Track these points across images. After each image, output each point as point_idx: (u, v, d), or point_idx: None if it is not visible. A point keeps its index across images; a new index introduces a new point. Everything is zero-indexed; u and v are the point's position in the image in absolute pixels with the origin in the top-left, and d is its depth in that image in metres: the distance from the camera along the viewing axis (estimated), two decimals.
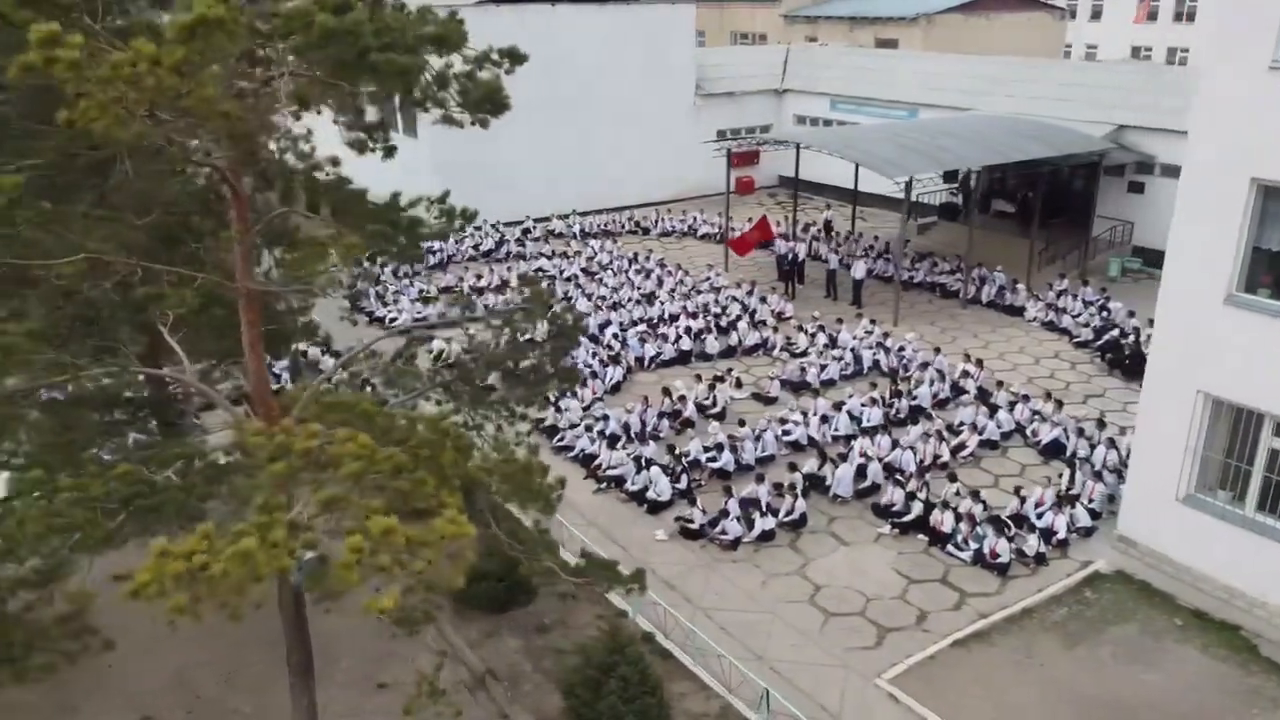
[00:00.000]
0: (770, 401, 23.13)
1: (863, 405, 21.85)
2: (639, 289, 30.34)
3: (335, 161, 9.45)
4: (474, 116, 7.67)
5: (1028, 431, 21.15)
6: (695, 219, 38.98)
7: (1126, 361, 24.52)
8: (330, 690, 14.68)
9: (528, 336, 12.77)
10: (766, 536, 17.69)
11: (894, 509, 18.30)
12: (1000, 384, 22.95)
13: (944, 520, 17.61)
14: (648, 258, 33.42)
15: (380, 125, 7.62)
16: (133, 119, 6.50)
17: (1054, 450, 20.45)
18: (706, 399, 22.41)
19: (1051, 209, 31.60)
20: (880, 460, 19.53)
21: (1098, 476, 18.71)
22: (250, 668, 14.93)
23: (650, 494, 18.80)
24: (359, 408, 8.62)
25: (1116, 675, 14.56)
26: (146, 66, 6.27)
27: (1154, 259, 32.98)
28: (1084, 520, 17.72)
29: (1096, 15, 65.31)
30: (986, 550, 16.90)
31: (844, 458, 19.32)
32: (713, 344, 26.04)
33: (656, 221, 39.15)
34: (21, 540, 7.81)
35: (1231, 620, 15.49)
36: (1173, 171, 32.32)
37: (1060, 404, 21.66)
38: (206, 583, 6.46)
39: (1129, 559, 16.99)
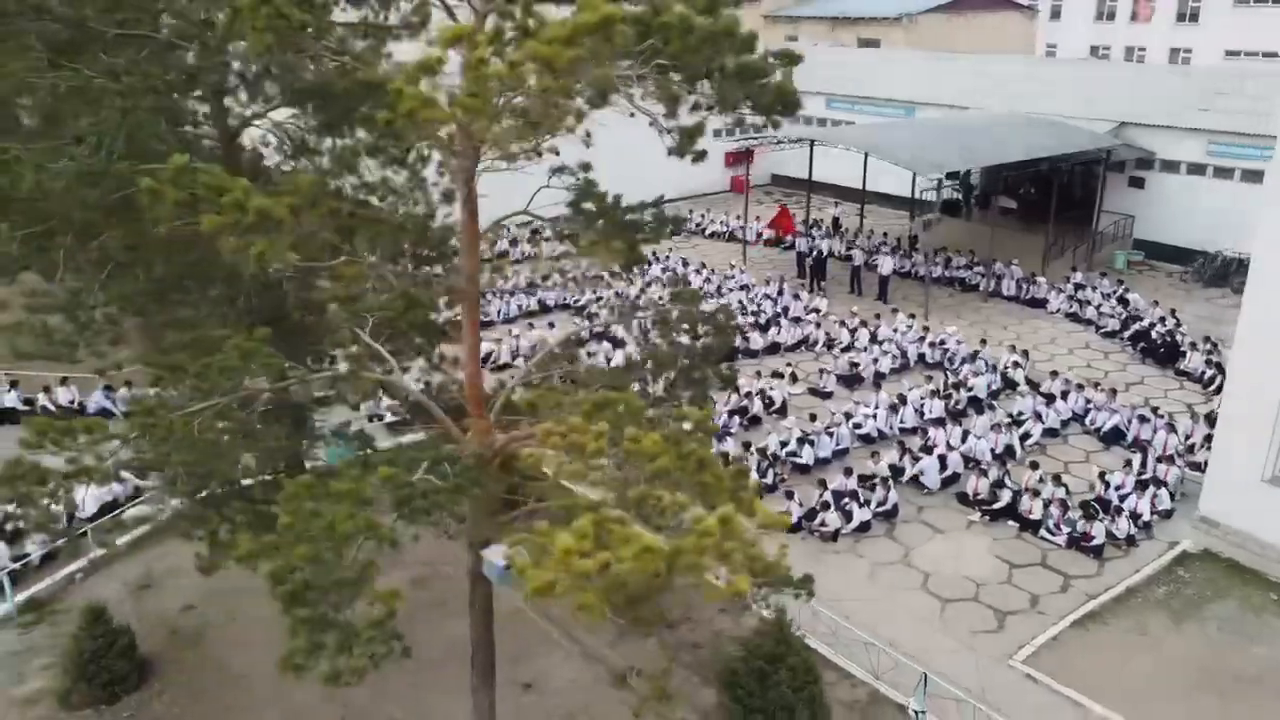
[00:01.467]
0: (826, 396, 23.53)
1: (922, 398, 22.38)
2: (669, 288, 30.51)
3: (587, 167, 9.54)
4: (767, 118, 7.83)
5: (1086, 420, 21.86)
6: (703, 217, 39.26)
7: (1160, 350, 25.45)
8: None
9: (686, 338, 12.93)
10: (864, 527, 18.07)
11: (979, 497, 18.82)
12: (1054, 373, 23.64)
13: (1033, 507, 18.17)
14: (668, 256, 33.63)
15: (699, 128, 7.74)
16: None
17: (1114, 436, 21.19)
18: (768, 396, 22.73)
19: (1058, 204, 32.56)
20: (957, 450, 20.05)
21: (1170, 460, 19.46)
22: (399, 676, 14.80)
23: None
24: (630, 406, 8.70)
25: (1227, 648, 15.21)
26: (537, 67, 6.35)
27: (1155, 251, 34.37)
28: (1165, 503, 18.43)
29: (1056, 15, 67.10)
30: (1080, 534, 17.51)
31: (927, 449, 19.78)
32: (757, 340, 26.36)
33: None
34: (340, 538, 7.79)
35: None
36: (1172, 167, 33.66)
37: (1114, 392, 22.45)
38: (610, 581, 6.56)
39: (1213, 538, 17.71)
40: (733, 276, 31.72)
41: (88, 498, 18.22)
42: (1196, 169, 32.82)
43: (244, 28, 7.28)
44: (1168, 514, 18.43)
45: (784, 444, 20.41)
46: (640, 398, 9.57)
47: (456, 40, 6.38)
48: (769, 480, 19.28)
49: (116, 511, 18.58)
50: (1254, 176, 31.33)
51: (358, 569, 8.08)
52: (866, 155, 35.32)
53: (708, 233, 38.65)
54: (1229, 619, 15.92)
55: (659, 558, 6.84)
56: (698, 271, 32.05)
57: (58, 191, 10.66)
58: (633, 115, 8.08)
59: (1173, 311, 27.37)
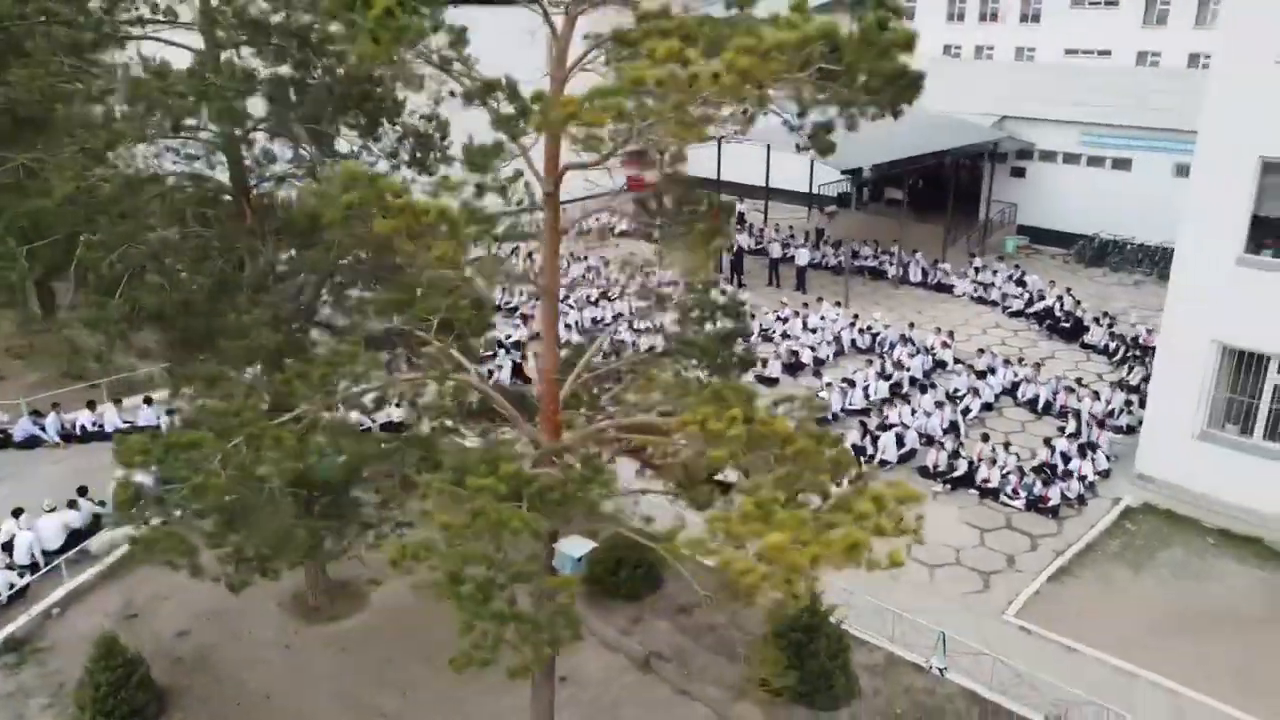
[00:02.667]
0: (773, 383, 24.40)
1: (867, 380, 23.55)
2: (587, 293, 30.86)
3: (681, 157, 9.87)
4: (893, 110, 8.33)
5: (1017, 393, 23.49)
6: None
7: (1066, 326, 27.51)
8: (512, 685, 14.76)
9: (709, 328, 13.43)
10: None
11: (939, 469, 20.03)
12: (981, 351, 25.22)
13: (991, 475, 19.49)
14: (586, 258, 33.94)
15: (830, 125, 8.20)
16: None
17: (1044, 407, 22.86)
18: None
19: (947, 195, 34.59)
20: (913, 428, 21.24)
21: (1100, 425, 21.21)
22: (427, 683, 14.73)
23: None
24: (741, 392, 9.13)
25: (1183, 589, 16.81)
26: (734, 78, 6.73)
27: (1037, 237, 36.92)
28: (1102, 464, 20.08)
29: (910, 16, 70.71)
30: (1037, 497, 18.92)
31: (885, 427, 20.89)
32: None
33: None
34: (509, 532, 7.94)
35: (1253, 535, 18.12)
36: (1050, 157, 36.23)
37: (1039, 365, 24.22)
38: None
39: (1150, 493, 19.43)
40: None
41: (49, 529, 17.33)
42: (1072, 158, 35.45)
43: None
44: (1106, 474, 20.07)
45: None
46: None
47: (673, 56, 6.68)
48: None
49: (82, 544, 17.64)
50: (1124, 164, 34.20)
51: (530, 561, 8.23)
52: (769, 151, 36.63)
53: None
54: (1178, 563, 17.55)
55: (845, 540, 7.32)
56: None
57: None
58: (747, 113, 8.50)
59: (1069, 290, 29.57)
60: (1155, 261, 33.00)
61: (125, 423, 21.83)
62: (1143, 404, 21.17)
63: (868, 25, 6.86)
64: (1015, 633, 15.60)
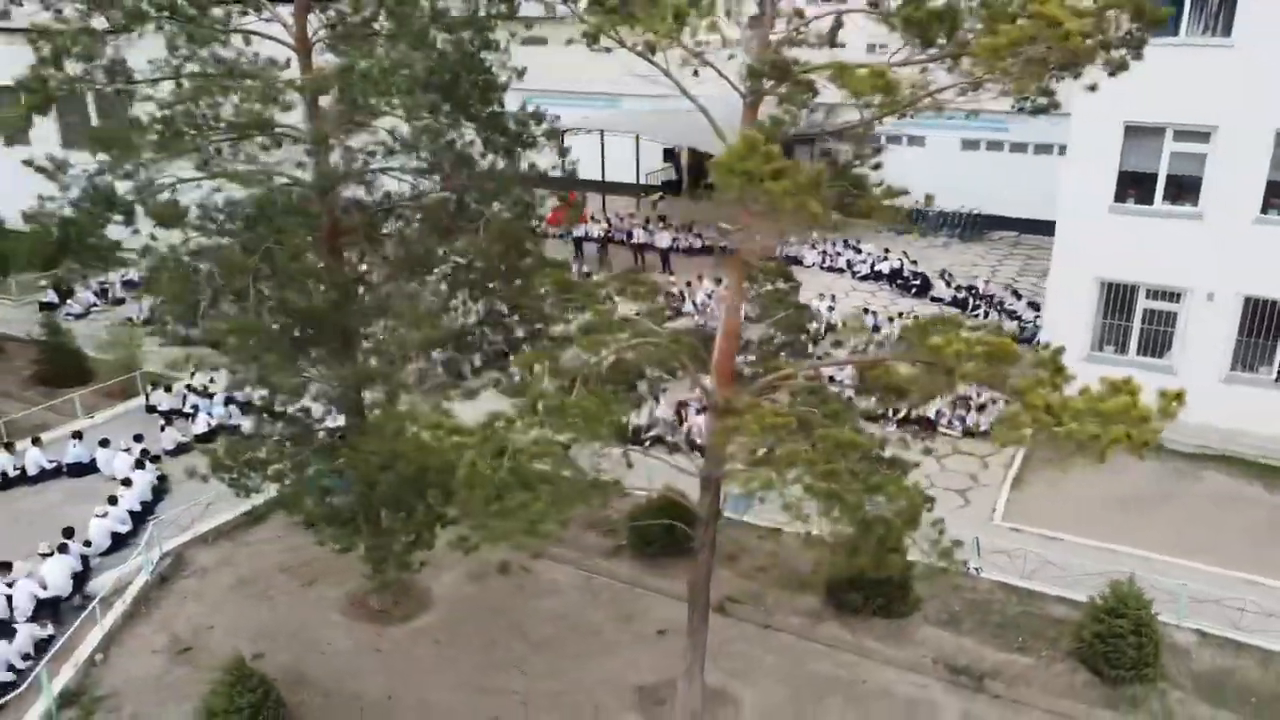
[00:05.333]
0: None
1: None
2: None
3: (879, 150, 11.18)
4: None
5: None
6: None
7: (916, 284, 31.18)
8: (620, 637, 15.54)
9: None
10: None
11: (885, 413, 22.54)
12: (865, 309, 28.16)
13: (928, 410, 22.24)
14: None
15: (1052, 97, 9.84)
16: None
17: None
18: None
19: None
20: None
21: None
22: (533, 659, 15.11)
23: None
24: (953, 323, 10.75)
25: (1103, 480, 20.06)
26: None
27: None
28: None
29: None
30: (970, 425, 21.91)
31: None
32: None
33: None
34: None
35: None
36: (895, 140, 40.27)
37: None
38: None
39: None
40: None
41: (55, 575, 15.90)
42: (894, 139, 39.57)
43: None
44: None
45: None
46: None
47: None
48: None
49: (84, 587, 16.26)
50: (918, 141, 38.73)
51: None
52: (603, 143, 38.20)
53: None
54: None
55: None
56: None
57: None
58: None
59: (904, 253, 33.38)
60: (954, 225, 37.79)
61: (51, 462, 20.00)
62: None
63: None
64: (1009, 533, 18.23)
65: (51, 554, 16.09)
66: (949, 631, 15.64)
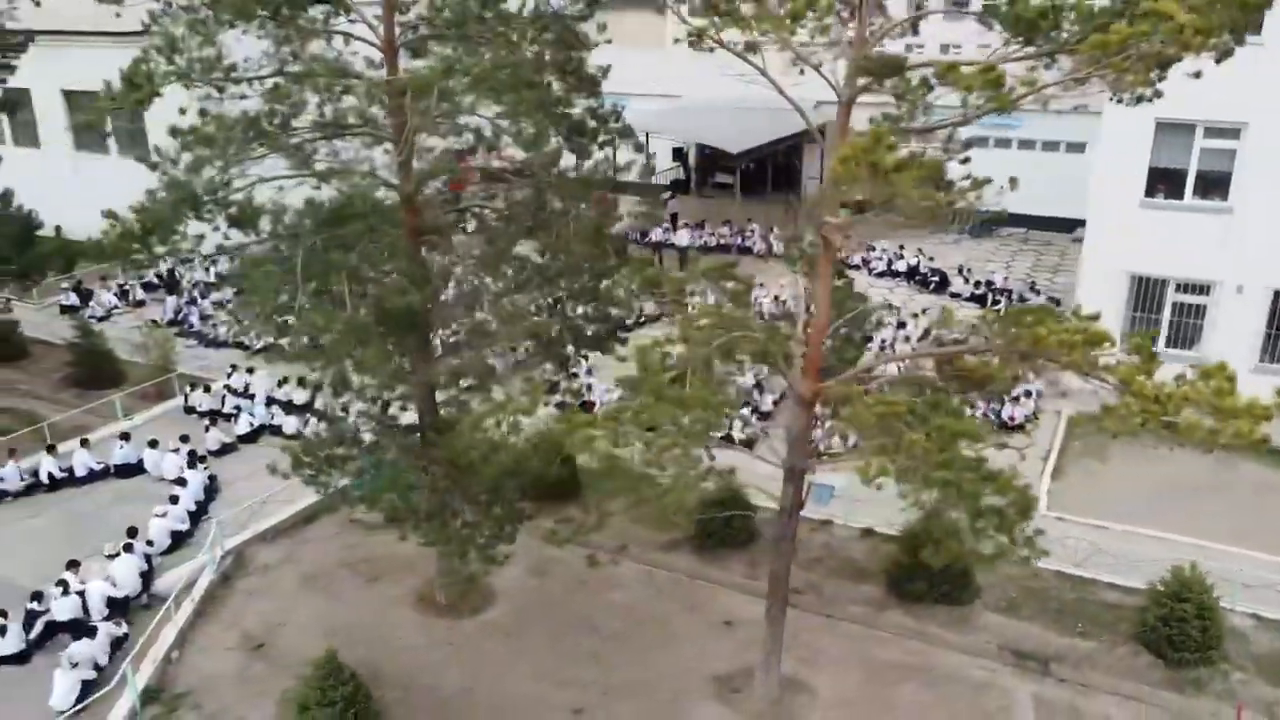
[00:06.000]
0: None
1: None
2: None
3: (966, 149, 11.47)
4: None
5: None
6: None
7: (934, 280, 31.56)
8: (688, 628, 15.75)
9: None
10: None
11: None
12: (889, 304, 28.50)
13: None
14: None
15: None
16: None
17: None
18: None
19: (771, 177, 38.13)
20: None
21: None
22: (606, 650, 15.32)
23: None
24: (1047, 311, 11.07)
25: (1145, 470, 20.45)
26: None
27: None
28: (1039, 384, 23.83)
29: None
30: (1006, 417, 22.28)
31: None
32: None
33: None
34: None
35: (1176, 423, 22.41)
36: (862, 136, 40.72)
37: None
38: None
39: (1080, 403, 23.33)
40: None
41: (124, 574, 15.98)
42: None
43: None
44: (1039, 393, 23.83)
45: None
46: None
47: None
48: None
49: (150, 586, 16.34)
50: (981, 142, 39.01)
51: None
52: (615, 143, 38.33)
53: None
54: (1131, 453, 21.24)
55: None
56: None
57: None
58: None
59: (920, 250, 33.77)
60: (964, 221, 38.25)
61: (99, 464, 20.01)
62: None
63: None
64: (1055, 522, 18.56)
65: (118, 554, 16.14)
66: (1010, 618, 15.96)
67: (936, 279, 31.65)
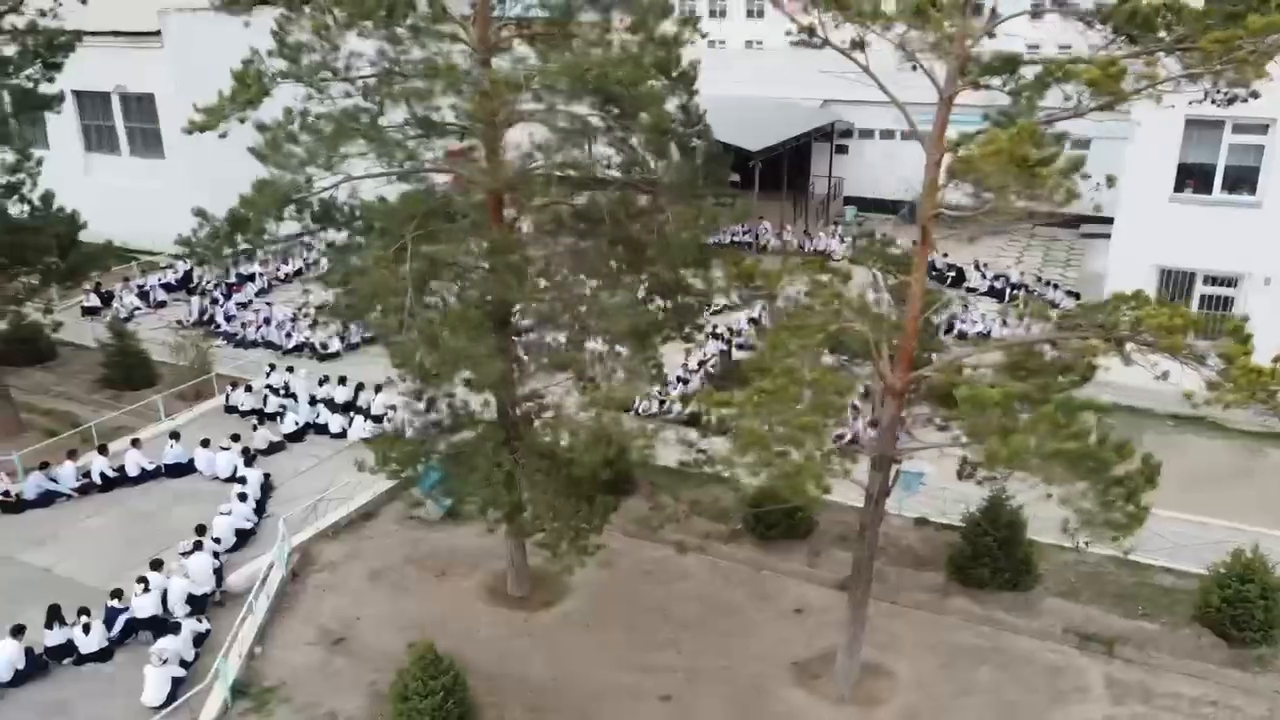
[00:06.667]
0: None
1: None
2: None
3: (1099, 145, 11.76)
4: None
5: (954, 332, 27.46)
6: None
7: (951, 275, 32.06)
8: (761, 616, 16.02)
9: None
10: None
11: None
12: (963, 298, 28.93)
13: None
14: None
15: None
16: None
17: (986, 335, 26.93)
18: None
19: (779, 174, 38.40)
20: None
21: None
22: (683, 639, 15.56)
23: None
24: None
25: (1172, 460, 21.10)
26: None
27: (863, 206, 41.84)
28: None
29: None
30: None
31: None
32: None
33: None
34: None
35: (1197, 415, 22.94)
36: (868, 134, 41.19)
37: (966, 305, 28.34)
38: None
39: (1109, 393, 23.85)
40: None
41: (200, 570, 16.03)
42: (888, 134, 40.52)
43: None
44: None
45: None
46: None
47: None
48: None
49: (222, 583, 16.39)
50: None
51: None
52: None
53: None
54: (1158, 443, 21.66)
55: None
56: None
57: None
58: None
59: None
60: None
61: (152, 464, 19.99)
62: None
63: None
64: None
65: (192, 552, 16.19)
66: (1071, 602, 16.36)
67: (953, 274, 32.13)
